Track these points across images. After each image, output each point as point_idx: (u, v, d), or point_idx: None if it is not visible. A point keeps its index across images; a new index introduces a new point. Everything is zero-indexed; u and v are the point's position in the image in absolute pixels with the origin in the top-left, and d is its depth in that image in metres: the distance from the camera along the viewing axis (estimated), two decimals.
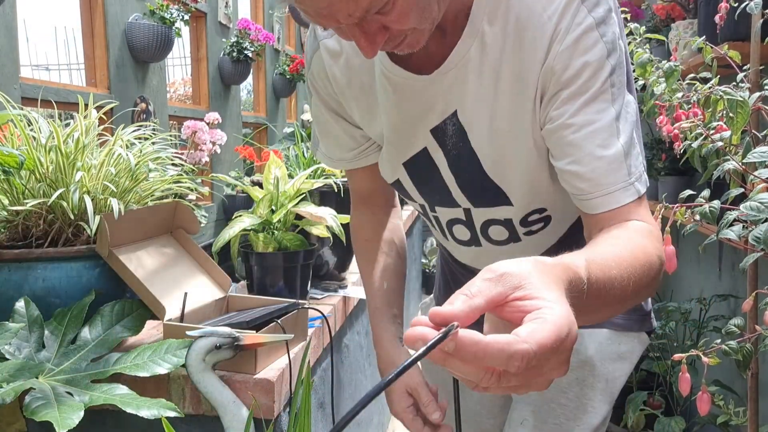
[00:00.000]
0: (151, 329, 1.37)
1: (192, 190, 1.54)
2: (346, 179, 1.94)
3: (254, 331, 1.14)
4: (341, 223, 1.58)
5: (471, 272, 1.07)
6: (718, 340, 0.97)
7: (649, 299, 1.10)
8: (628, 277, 0.70)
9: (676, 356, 0.91)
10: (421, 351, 0.48)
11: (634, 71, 1.50)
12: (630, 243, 0.76)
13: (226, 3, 3.82)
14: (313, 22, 0.74)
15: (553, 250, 1.05)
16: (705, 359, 0.90)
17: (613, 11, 0.83)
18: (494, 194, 0.97)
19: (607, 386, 1.05)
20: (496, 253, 1.07)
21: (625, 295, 0.70)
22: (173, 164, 1.49)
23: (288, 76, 4.78)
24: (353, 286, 1.91)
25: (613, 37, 0.82)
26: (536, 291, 0.52)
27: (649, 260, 0.75)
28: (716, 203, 0.87)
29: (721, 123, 1.09)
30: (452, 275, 1.28)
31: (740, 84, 1.20)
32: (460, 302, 0.51)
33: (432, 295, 1.37)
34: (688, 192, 0.92)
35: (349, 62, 0.97)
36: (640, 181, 0.84)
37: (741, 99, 1.02)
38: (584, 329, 1.05)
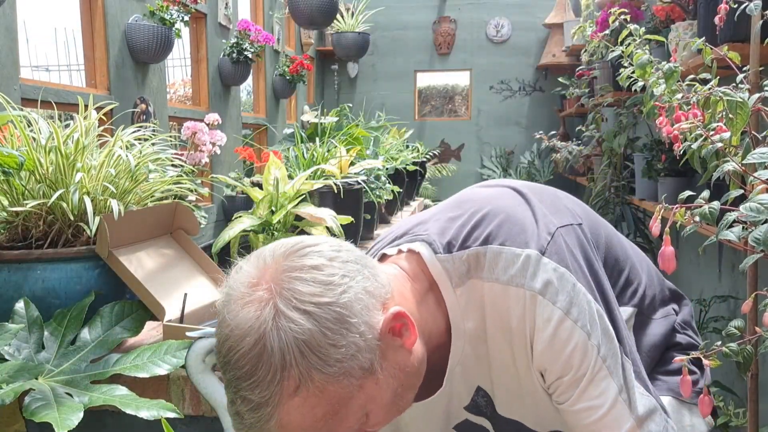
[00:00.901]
0: (151, 330, 1.37)
1: (192, 191, 1.54)
2: (345, 180, 1.94)
3: None
4: (341, 224, 1.58)
5: None
6: (719, 342, 0.96)
7: (708, 372, 1.05)
8: None
9: (677, 359, 0.90)
10: None
11: (633, 72, 1.50)
12: None
13: (226, 4, 3.83)
14: None
15: None
16: (706, 362, 0.90)
17: (578, 281, 0.82)
18: None
19: None
20: None
21: None
22: (173, 165, 1.49)
23: (288, 77, 4.78)
24: None
25: (589, 314, 0.82)
26: None
27: None
28: (716, 204, 0.87)
29: (720, 124, 1.09)
30: None
31: (740, 85, 1.20)
32: None
33: None
34: (688, 193, 0.91)
35: None
36: None
37: (740, 100, 1.01)
38: None
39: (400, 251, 0.90)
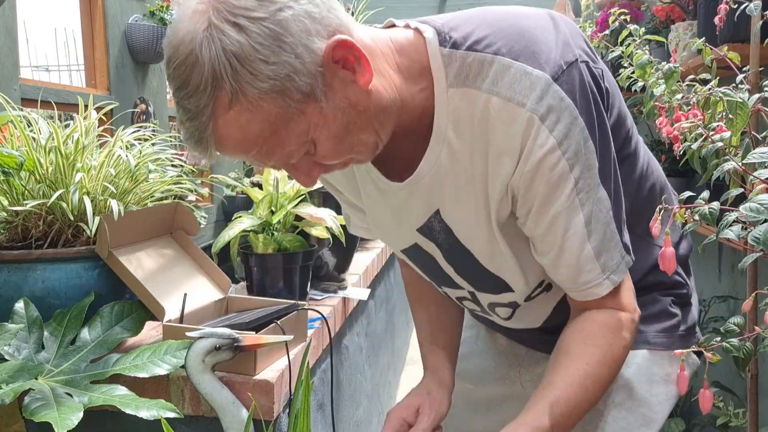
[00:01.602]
0: (151, 330, 1.37)
1: (192, 191, 1.54)
2: None
3: (254, 332, 1.14)
4: (340, 224, 1.58)
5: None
6: (718, 338, 0.96)
7: (694, 312, 1.09)
8: (593, 390, 0.89)
9: (677, 352, 0.91)
10: None
11: (633, 73, 1.50)
12: (595, 353, 0.90)
13: None
14: None
15: (554, 312, 1.05)
16: (708, 355, 0.90)
17: (578, 115, 0.81)
18: (495, 283, 0.98)
19: (649, 410, 1.02)
20: (505, 324, 1.10)
21: (593, 400, 0.90)
22: (173, 165, 1.49)
23: None
24: (353, 288, 1.91)
25: (576, 147, 0.82)
26: None
27: (614, 361, 0.91)
28: (716, 205, 0.87)
29: (720, 124, 1.09)
30: None
31: (740, 85, 1.20)
32: None
33: None
34: (688, 193, 0.92)
35: None
36: (616, 271, 0.89)
37: (740, 100, 1.01)
38: None
39: (407, 26, 0.88)
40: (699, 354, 1.07)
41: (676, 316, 1.05)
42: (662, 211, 0.90)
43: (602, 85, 0.88)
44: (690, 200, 0.91)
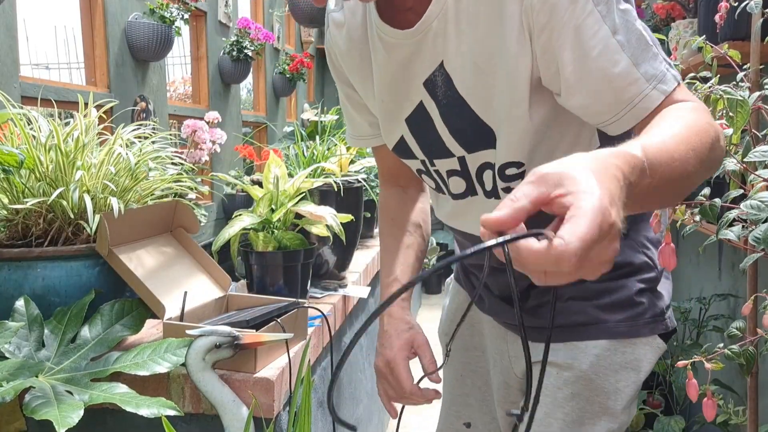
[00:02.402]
0: (151, 328, 1.37)
1: (192, 189, 1.54)
2: (345, 179, 1.94)
3: (254, 330, 1.14)
4: (341, 222, 1.58)
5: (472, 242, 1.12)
6: (721, 345, 0.96)
7: (665, 296, 1.07)
8: (686, 150, 0.71)
9: (680, 363, 0.90)
10: (465, 253, 0.53)
11: None
12: (679, 117, 0.76)
13: (226, 2, 3.82)
14: None
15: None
16: (708, 365, 0.90)
17: None
18: (483, 133, 0.98)
19: (607, 399, 1.01)
20: (485, 207, 1.07)
21: (687, 168, 0.71)
22: (173, 163, 1.49)
23: (288, 75, 4.78)
24: (353, 286, 1.91)
25: None
26: (572, 186, 0.55)
27: (701, 127, 0.75)
28: (717, 201, 0.87)
29: (721, 122, 1.09)
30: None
31: (740, 83, 1.20)
32: (506, 208, 0.55)
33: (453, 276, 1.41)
34: None
35: (350, 32, 1.05)
36: (664, 80, 0.82)
37: (741, 98, 1.02)
38: (579, 342, 1.03)
39: None
40: (666, 338, 1.06)
41: (642, 304, 1.04)
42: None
43: None
44: (690, 197, 0.91)
